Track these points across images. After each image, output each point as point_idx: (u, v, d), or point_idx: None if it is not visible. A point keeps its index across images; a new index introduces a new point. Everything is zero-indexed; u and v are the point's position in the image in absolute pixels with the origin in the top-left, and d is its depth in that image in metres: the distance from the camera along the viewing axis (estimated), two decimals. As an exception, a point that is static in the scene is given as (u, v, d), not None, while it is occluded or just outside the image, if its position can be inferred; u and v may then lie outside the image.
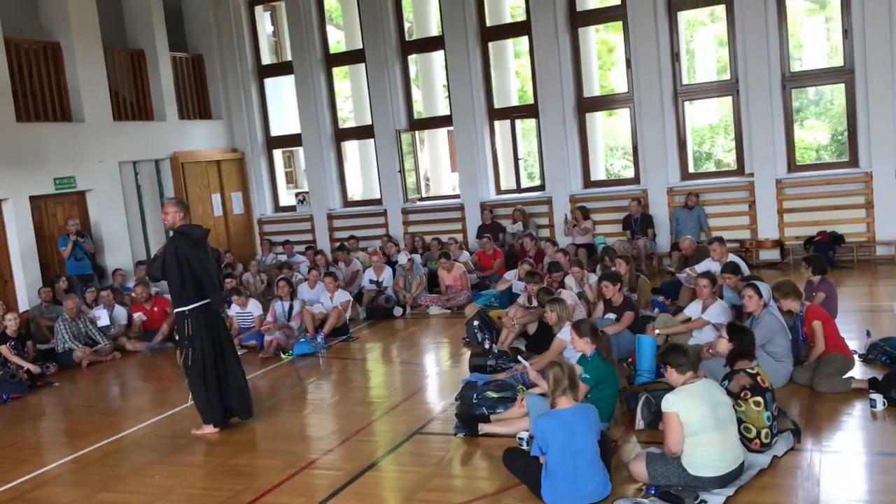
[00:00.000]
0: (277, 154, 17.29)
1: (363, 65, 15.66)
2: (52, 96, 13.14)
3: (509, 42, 15.47)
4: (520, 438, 6.02)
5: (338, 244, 14.75)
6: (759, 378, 5.48)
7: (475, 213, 14.84)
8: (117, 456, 6.90)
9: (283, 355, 9.95)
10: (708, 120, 18.48)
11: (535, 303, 9.11)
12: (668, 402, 4.97)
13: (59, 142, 12.96)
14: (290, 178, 20.11)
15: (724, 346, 5.99)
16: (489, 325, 9.26)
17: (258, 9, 16.77)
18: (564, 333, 7.11)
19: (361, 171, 17.84)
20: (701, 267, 9.71)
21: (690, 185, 13.36)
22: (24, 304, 11.98)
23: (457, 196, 15.48)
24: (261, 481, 5.95)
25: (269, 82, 16.95)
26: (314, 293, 11.39)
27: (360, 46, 15.70)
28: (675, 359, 5.10)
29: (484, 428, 6.37)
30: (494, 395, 6.64)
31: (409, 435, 6.61)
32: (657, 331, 7.77)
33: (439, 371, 8.78)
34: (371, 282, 12.26)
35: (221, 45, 16.40)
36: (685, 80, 13.58)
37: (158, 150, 14.93)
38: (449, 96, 15.04)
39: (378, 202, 16.00)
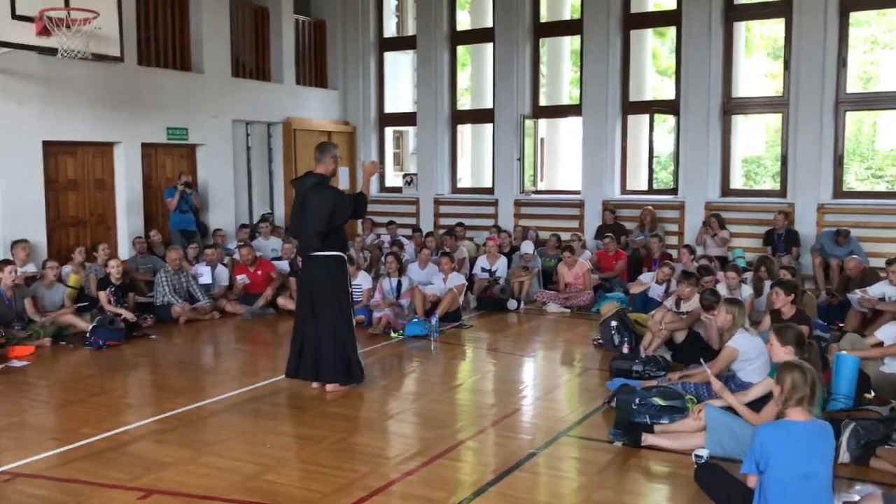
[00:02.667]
0: (388, 132, 16.60)
1: (489, 45, 14.82)
2: (174, 44, 12.72)
3: (649, 32, 14.39)
4: (697, 457, 5.02)
5: (444, 230, 13.92)
6: None
7: (595, 212, 13.82)
8: (220, 418, 6.18)
9: (392, 334, 9.17)
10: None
11: (683, 308, 8.08)
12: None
13: (176, 91, 12.51)
14: (397, 160, 19.44)
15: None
16: (628, 327, 8.26)
17: (386, -22, 16.15)
18: (739, 341, 6.06)
19: (471, 157, 17.01)
20: (874, 290, 8.53)
21: (843, 204, 12.06)
22: (124, 253, 11.51)
23: (576, 192, 14.47)
24: (387, 466, 5.12)
25: (388, 57, 16.29)
26: (424, 274, 10.59)
27: (489, 25, 14.86)
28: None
29: (648, 439, 5.40)
30: (662, 402, 5.65)
31: (555, 436, 5.67)
32: (843, 352, 6.64)
33: (570, 371, 7.80)
34: (483, 270, 11.38)
35: (345, 13, 15.82)
36: (849, 89, 12.27)
37: (272, 113, 14.39)
38: (581, 85, 14.06)
39: (489, 191, 15.13)
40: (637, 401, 5.70)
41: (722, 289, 8.68)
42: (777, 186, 13.32)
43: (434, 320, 9.10)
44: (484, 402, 6.75)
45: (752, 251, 12.18)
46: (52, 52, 8.16)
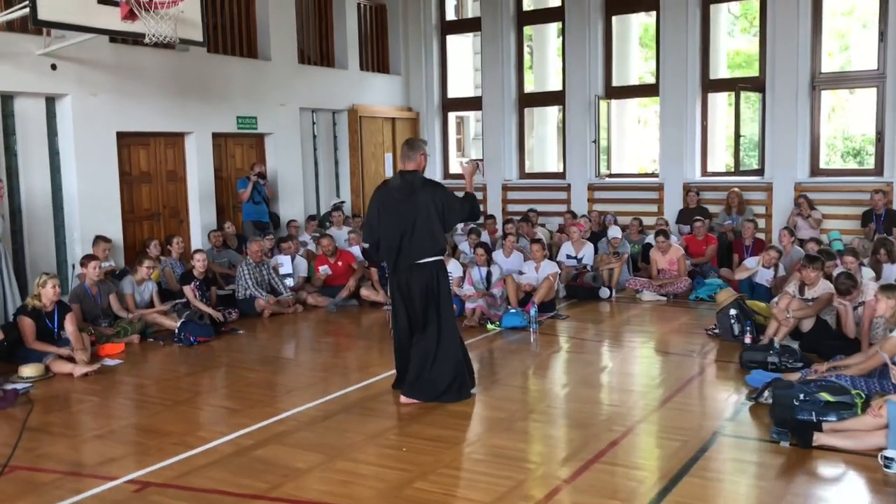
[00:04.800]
0: (451, 118, 16.16)
1: (552, 25, 14.28)
2: (240, 31, 12.38)
3: (726, 7, 13.76)
4: (887, 459, 4.56)
5: (520, 216, 13.45)
6: None
7: (675, 195, 13.27)
8: (339, 419, 5.81)
9: (489, 325, 8.76)
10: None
11: (808, 294, 7.56)
12: None
13: (244, 79, 12.18)
14: (459, 146, 19.01)
15: None
16: (749, 316, 7.76)
17: (446, -40, 15.68)
18: (906, 330, 5.56)
19: (537, 141, 16.51)
20: None
21: (947, 181, 11.41)
22: (197, 246, 11.20)
23: (654, 174, 13.92)
24: (541, 473, 4.71)
25: (450, 40, 15.83)
26: (510, 262, 10.16)
27: (556, 4, 14.34)
28: None
29: (821, 439, 4.92)
30: (830, 398, 5.17)
31: (711, 436, 5.22)
32: None
33: (694, 364, 7.28)
34: (569, 257, 10.92)
35: (406, -4, 15.40)
36: (952, 59, 11.58)
37: (337, 100, 14.01)
38: (658, 63, 13.50)
39: (560, 175, 14.64)
40: (801, 396, 5.22)
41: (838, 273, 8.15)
42: (872, 165, 12.66)
43: (534, 311, 8.66)
44: (616, 399, 6.30)
45: (847, 233, 11.61)
46: (139, 37, 7.80)
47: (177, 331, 8.38)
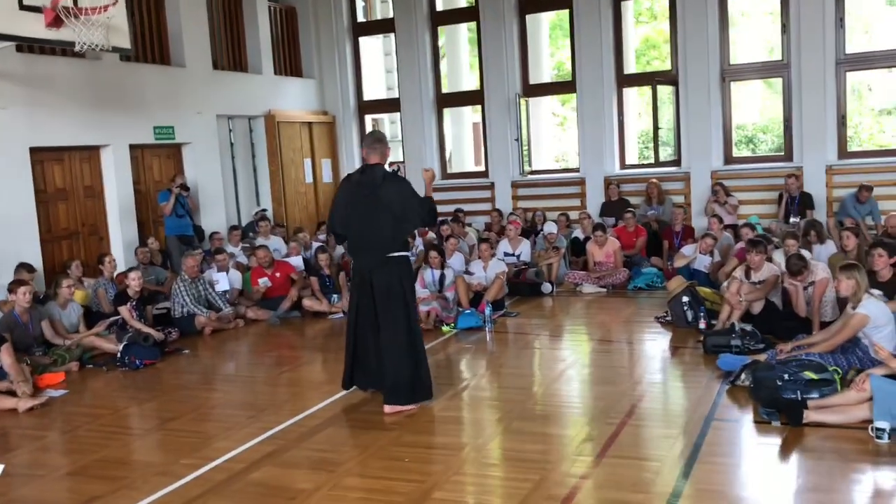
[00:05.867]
0: (368, 120, 15.99)
1: (463, 25, 14.34)
2: (152, 37, 11.84)
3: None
4: (879, 430, 4.79)
5: (449, 216, 13.43)
6: None
7: (597, 188, 13.58)
8: (328, 433, 5.64)
9: (444, 328, 8.70)
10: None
11: (754, 278, 7.86)
12: None
13: (159, 87, 11.66)
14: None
15: None
16: (701, 303, 8.01)
17: (355, -39, 15.49)
18: (869, 307, 5.83)
19: (454, 141, 16.53)
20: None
21: (851, 165, 12.13)
22: (121, 264, 10.63)
23: (575, 170, 14.19)
24: (556, 471, 4.68)
25: (361, 42, 15.65)
26: (453, 263, 10.11)
27: (468, 4, 14.41)
28: None
29: (810, 416, 5.12)
30: (814, 376, 5.38)
31: (705, 421, 5.33)
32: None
33: (660, 352, 7.41)
34: (507, 254, 10.99)
35: (316, -1, 15.13)
36: (848, 49, 12.31)
37: (253, 106, 13.62)
38: (574, 60, 13.76)
39: (483, 174, 14.73)
40: (786, 377, 5.41)
41: (779, 255, 8.53)
42: (781, 151, 13.32)
43: (489, 310, 8.66)
44: (597, 391, 6.37)
45: (764, 217, 12.18)
46: (69, 45, 7.31)
47: (119, 354, 7.92)
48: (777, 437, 5.00)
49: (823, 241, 9.10)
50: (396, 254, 6.10)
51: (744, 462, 4.76)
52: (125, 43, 8.12)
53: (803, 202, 11.82)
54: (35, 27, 7.21)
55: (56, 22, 7.19)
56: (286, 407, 6.30)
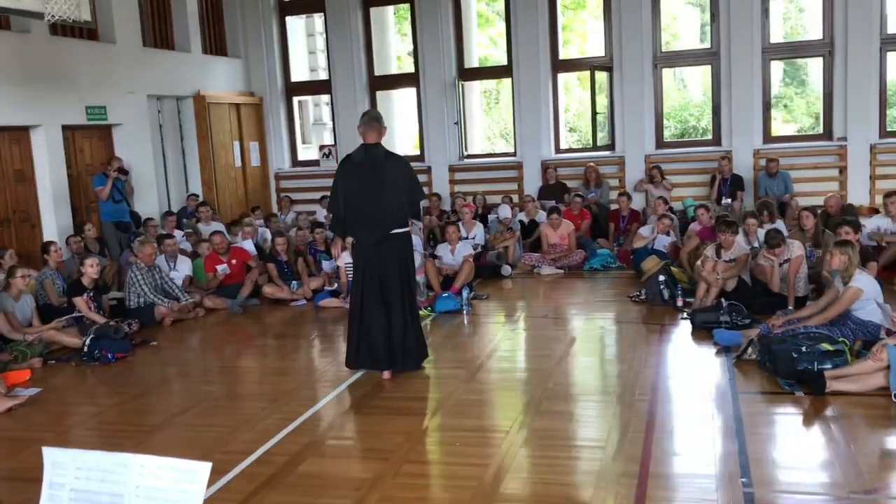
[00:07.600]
0: (296, 102, 15.58)
1: (391, 8, 14.20)
2: (79, 10, 11.07)
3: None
4: (900, 395, 5.12)
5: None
6: None
7: (534, 172, 13.78)
8: (359, 421, 5.56)
9: (421, 312, 8.61)
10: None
11: (725, 256, 8.20)
12: None
13: (90, 64, 10.99)
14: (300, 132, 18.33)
15: None
16: (677, 282, 8.30)
17: (280, -64, 14.99)
18: (861, 281, 6.22)
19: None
20: (871, 224, 9.16)
21: (776, 149, 12.82)
22: (55, 253, 9.97)
23: (511, 154, 14.34)
24: (611, 449, 4.73)
25: (287, 21, 15.21)
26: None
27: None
28: None
29: (832, 385, 5.41)
30: (830, 347, 5.68)
31: (733, 396, 5.52)
32: None
33: (650, 330, 7.55)
34: (462, 238, 10.98)
35: (241, -25, 14.56)
36: (773, 39, 12.97)
37: (182, 86, 13.02)
38: (510, 45, 13.87)
39: (419, 158, 14.65)
40: (803, 349, 5.69)
41: (739, 236, 8.92)
42: (709, 136, 13.91)
43: (465, 293, 8.66)
44: (611, 370, 6.51)
45: (698, 199, 12.69)
46: (36, 16, 6.74)
47: (87, 348, 7.42)
48: (805, 406, 5.26)
49: (774, 221, 9.58)
50: (400, 230, 6.27)
51: (785, 433, 4.96)
52: (87, 15, 7.56)
53: (734, 184, 12.40)
54: (-5, -5, 6.62)
55: (19, -11, 6.62)
56: (298, 396, 6.09)
